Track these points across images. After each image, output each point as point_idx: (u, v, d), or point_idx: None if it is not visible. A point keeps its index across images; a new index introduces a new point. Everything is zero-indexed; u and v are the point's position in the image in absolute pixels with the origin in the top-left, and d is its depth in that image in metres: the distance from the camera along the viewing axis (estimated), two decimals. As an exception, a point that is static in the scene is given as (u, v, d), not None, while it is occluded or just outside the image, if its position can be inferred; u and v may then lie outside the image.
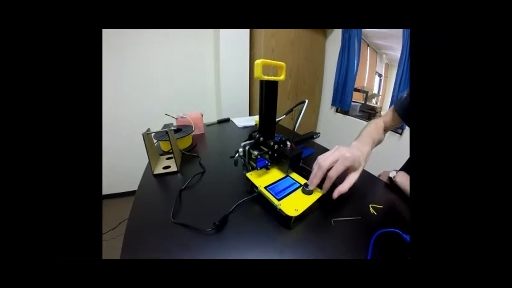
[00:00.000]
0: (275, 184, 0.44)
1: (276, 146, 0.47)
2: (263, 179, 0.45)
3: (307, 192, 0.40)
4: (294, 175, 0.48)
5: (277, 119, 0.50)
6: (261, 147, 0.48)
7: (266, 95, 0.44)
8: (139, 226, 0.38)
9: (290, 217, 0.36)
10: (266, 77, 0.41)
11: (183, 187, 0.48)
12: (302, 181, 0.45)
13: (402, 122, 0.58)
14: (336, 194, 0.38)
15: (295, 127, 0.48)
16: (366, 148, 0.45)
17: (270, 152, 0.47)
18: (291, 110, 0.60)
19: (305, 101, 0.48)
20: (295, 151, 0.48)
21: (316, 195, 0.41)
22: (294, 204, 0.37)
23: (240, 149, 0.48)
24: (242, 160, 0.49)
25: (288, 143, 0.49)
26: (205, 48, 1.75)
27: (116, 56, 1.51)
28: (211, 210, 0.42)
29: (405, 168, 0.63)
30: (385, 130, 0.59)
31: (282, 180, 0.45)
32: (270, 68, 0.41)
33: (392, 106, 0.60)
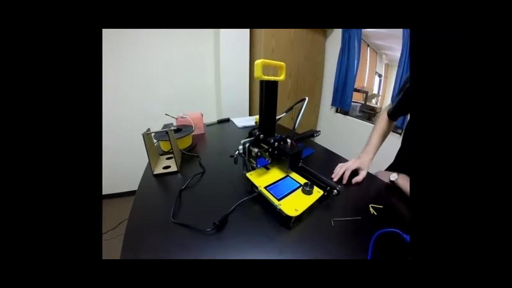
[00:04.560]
0: (275, 184, 0.44)
1: (276, 144, 0.46)
2: (263, 179, 0.45)
3: (307, 192, 0.40)
4: (294, 175, 0.47)
5: (277, 117, 0.50)
6: (261, 144, 0.48)
7: (266, 95, 0.44)
8: (139, 226, 0.38)
9: (290, 217, 0.36)
10: (266, 77, 0.41)
11: (183, 187, 0.48)
12: (302, 181, 0.45)
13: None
14: (354, 181, 0.55)
15: (295, 124, 0.48)
16: (368, 156, 0.64)
17: (270, 150, 0.47)
18: (291, 108, 0.60)
19: (305, 99, 0.48)
20: (295, 149, 0.48)
21: (316, 195, 0.41)
22: (294, 204, 0.37)
23: (240, 147, 0.48)
24: (242, 158, 0.49)
25: (289, 140, 0.48)
26: (205, 48, 1.75)
27: (116, 56, 1.51)
28: (211, 210, 0.42)
29: (393, 165, 0.77)
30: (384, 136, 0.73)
31: (282, 180, 0.45)
32: (270, 68, 0.41)
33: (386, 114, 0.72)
